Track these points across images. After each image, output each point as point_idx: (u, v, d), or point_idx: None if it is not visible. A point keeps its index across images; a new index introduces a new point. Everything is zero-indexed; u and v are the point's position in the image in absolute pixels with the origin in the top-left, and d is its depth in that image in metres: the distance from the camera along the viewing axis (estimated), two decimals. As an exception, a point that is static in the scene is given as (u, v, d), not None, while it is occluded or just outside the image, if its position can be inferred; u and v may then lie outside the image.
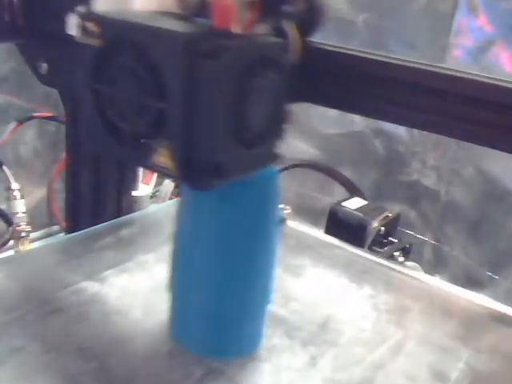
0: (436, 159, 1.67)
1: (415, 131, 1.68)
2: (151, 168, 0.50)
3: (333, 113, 1.81)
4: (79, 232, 0.80)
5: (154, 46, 0.47)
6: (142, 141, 0.50)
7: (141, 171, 1.00)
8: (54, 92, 0.91)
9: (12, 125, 1.49)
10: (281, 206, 0.87)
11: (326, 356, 0.60)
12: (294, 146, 1.85)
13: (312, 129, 1.86)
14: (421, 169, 1.69)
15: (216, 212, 0.55)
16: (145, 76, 0.48)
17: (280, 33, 0.55)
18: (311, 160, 1.76)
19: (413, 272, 0.80)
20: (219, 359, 0.58)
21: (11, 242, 1.43)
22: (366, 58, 0.64)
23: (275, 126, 0.53)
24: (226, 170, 0.48)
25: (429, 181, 1.69)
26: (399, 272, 0.80)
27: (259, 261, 0.58)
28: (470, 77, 0.59)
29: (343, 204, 1.27)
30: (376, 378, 0.58)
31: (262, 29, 0.53)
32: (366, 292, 0.73)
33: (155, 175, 1.18)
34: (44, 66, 0.84)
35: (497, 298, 1.58)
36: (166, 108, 0.47)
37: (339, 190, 1.66)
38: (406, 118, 0.65)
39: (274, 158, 0.55)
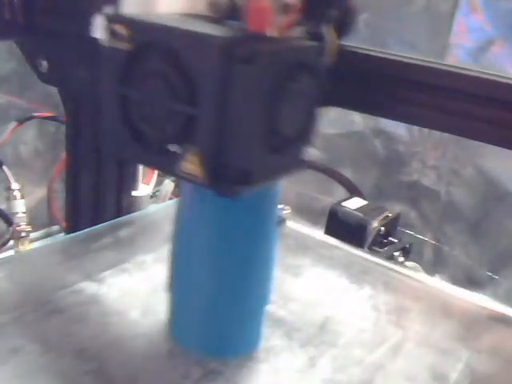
0: (436, 159, 1.66)
1: (415, 131, 1.68)
2: (177, 175, 0.49)
3: (333, 113, 1.80)
4: (79, 232, 0.80)
5: (187, 49, 0.46)
6: (169, 147, 0.48)
7: (141, 171, 1.00)
8: (55, 92, 0.91)
9: (12, 124, 1.49)
10: (280, 206, 0.87)
11: (325, 357, 0.60)
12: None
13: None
14: (421, 169, 1.69)
15: (215, 212, 0.55)
16: (176, 81, 0.46)
17: (316, 36, 0.53)
18: (311, 160, 1.76)
19: (412, 272, 0.80)
20: (218, 360, 0.57)
21: (11, 242, 1.43)
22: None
23: (305, 131, 0.52)
24: (254, 177, 0.47)
25: (429, 181, 1.68)
26: (399, 272, 0.80)
27: (258, 261, 0.57)
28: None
29: (343, 204, 1.27)
30: (375, 379, 0.58)
31: (298, 32, 0.51)
32: (365, 292, 0.73)
33: (155, 175, 1.18)
34: (44, 64, 0.84)
35: (497, 298, 1.59)
36: (198, 114, 0.46)
37: (339, 190, 1.67)
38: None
39: (301, 163, 0.54)
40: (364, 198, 1.36)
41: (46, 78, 0.86)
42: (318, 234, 0.90)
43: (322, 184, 1.77)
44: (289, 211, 0.89)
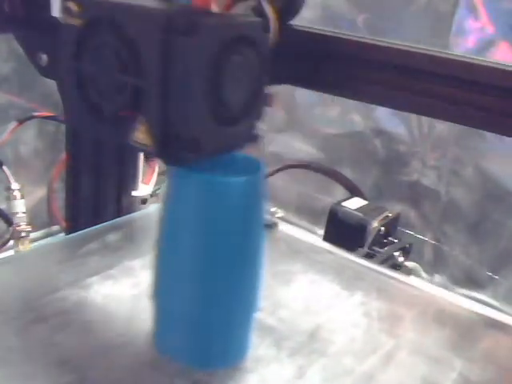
0: (436, 159, 1.66)
1: (415, 131, 1.67)
2: (130, 145, 0.51)
3: (333, 113, 1.81)
4: (78, 232, 0.80)
5: (132, 23, 0.49)
6: (121, 118, 0.51)
7: (141, 171, 1.00)
8: (55, 92, 0.90)
9: (12, 124, 1.49)
10: (273, 209, 0.87)
11: (315, 367, 0.59)
12: (294, 146, 1.85)
13: (312, 129, 1.86)
14: (421, 169, 1.69)
15: (199, 211, 0.54)
16: (123, 53, 0.49)
17: (259, 14, 0.57)
18: (311, 160, 1.76)
19: (406, 278, 0.79)
20: (203, 370, 0.56)
21: (11, 242, 1.44)
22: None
23: (254, 106, 0.54)
24: (201, 145, 0.49)
25: (429, 181, 1.68)
26: (392, 278, 0.78)
27: (245, 265, 0.56)
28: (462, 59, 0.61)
29: (343, 204, 1.27)
30: (366, 389, 0.57)
31: (241, 9, 0.55)
32: (357, 299, 0.72)
33: (155, 175, 1.18)
34: (44, 58, 0.83)
35: (497, 298, 1.59)
36: (143, 84, 0.48)
37: (339, 190, 1.66)
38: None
39: (253, 138, 0.55)
40: (364, 198, 1.36)
41: (45, 72, 0.85)
42: (311, 237, 0.89)
43: (322, 184, 1.77)
44: (282, 214, 0.89)
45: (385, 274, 0.79)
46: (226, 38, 0.49)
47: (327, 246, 0.86)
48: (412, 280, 0.80)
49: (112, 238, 0.79)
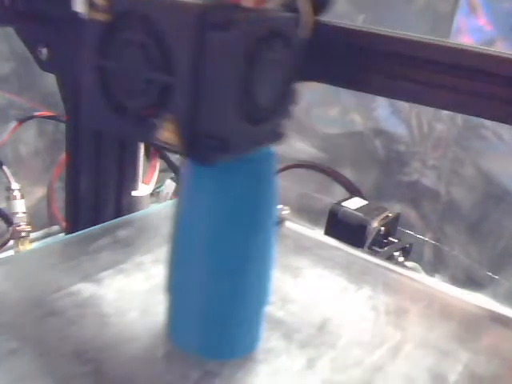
0: (436, 159, 1.66)
1: (415, 131, 1.68)
2: (155, 144, 0.50)
3: (333, 113, 1.81)
4: (77, 233, 0.80)
5: (164, 18, 0.47)
6: (147, 116, 0.49)
7: (141, 171, 1.01)
8: (55, 92, 0.91)
9: (13, 124, 1.49)
10: (279, 206, 0.87)
11: (324, 358, 0.60)
12: (294, 146, 1.85)
13: (312, 129, 1.86)
14: (421, 169, 1.69)
15: (213, 203, 0.54)
16: (152, 50, 0.47)
17: (292, 9, 0.55)
18: (310, 161, 1.77)
19: (412, 273, 0.80)
20: (215, 361, 0.57)
21: (11, 242, 1.44)
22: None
23: (282, 103, 0.53)
24: (230, 145, 0.48)
25: (429, 181, 1.68)
26: (398, 273, 0.80)
27: (257, 258, 0.57)
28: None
29: (343, 204, 1.28)
30: (374, 380, 0.58)
31: (274, 3, 0.52)
32: (364, 293, 0.73)
33: (155, 175, 1.18)
34: (44, 52, 0.83)
35: (497, 298, 1.59)
36: (173, 81, 0.47)
37: (339, 190, 1.67)
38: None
39: (280, 136, 0.54)
40: (364, 198, 1.36)
41: (45, 66, 0.85)
42: (317, 234, 0.90)
43: (322, 184, 1.77)
44: (288, 211, 0.89)
45: (391, 270, 0.80)
46: (260, 33, 0.48)
47: (334, 242, 0.87)
48: (417, 275, 0.81)
49: (122, 233, 0.80)
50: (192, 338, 0.59)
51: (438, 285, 0.79)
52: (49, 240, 1.65)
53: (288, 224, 0.89)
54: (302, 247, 0.83)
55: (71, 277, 0.68)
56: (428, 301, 0.74)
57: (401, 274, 0.80)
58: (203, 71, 0.46)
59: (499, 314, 0.72)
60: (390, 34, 0.62)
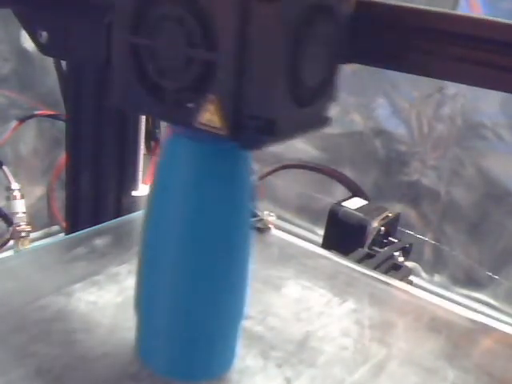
0: (436, 159, 1.66)
1: (415, 131, 1.68)
2: (196, 127, 0.45)
3: (333, 113, 1.80)
4: (78, 232, 0.79)
5: None
6: (187, 98, 0.45)
7: (141, 171, 1.00)
8: (55, 92, 0.91)
9: (13, 123, 1.49)
10: (265, 212, 0.85)
11: (303, 378, 0.56)
12: (294, 145, 1.85)
13: (312, 129, 1.85)
14: (421, 169, 1.69)
15: (185, 201, 0.50)
16: (192, 25, 0.43)
17: None
18: (311, 161, 1.76)
19: (400, 283, 0.77)
20: (187, 382, 0.54)
21: (11, 242, 1.44)
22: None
23: (328, 85, 0.49)
24: (277, 127, 0.44)
25: (429, 181, 1.68)
26: (385, 283, 0.76)
27: (230, 269, 0.52)
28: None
29: (343, 204, 1.28)
30: (355, 401, 0.55)
31: None
32: (349, 306, 0.69)
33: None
34: (44, 35, 0.82)
35: (497, 298, 1.59)
36: (216, 58, 0.43)
37: (339, 190, 1.66)
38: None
39: (326, 121, 0.51)
40: (366, 198, 1.36)
41: (45, 50, 0.84)
42: (303, 242, 0.85)
43: (322, 184, 1.77)
44: (273, 217, 0.86)
45: (378, 280, 0.77)
46: (305, 5, 0.43)
47: (320, 250, 0.84)
48: (406, 286, 0.78)
49: (99, 242, 0.76)
50: (161, 356, 0.54)
51: (427, 296, 0.75)
52: (49, 240, 1.65)
53: (274, 232, 0.85)
54: (287, 256, 0.79)
55: (42, 289, 0.64)
56: (416, 313, 0.70)
57: (388, 285, 0.76)
58: (249, 45, 0.42)
59: (489, 327, 0.69)
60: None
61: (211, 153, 0.49)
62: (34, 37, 0.82)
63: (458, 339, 0.66)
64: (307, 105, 0.47)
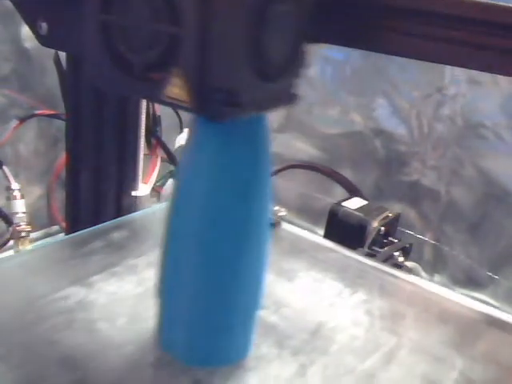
0: (436, 159, 1.66)
1: (415, 131, 1.67)
2: (163, 101, 0.47)
3: (333, 112, 1.81)
4: (74, 234, 0.79)
5: None
6: (155, 73, 0.47)
7: (141, 171, 1.00)
8: (55, 92, 0.90)
9: (13, 123, 1.49)
10: (276, 207, 0.87)
11: (316, 365, 0.59)
12: (294, 146, 1.85)
13: (312, 129, 1.86)
14: (421, 169, 1.69)
15: (203, 198, 0.52)
16: (158, 1, 0.45)
17: None
18: (311, 161, 1.76)
19: (408, 276, 0.79)
20: (205, 369, 0.56)
21: (11, 242, 1.44)
22: None
23: (293, 62, 0.51)
24: (241, 99, 0.46)
25: (429, 181, 1.68)
26: (395, 276, 0.79)
27: (249, 260, 0.55)
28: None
29: (343, 204, 1.27)
30: (366, 388, 0.57)
31: None
32: (359, 297, 0.72)
33: (155, 174, 1.18)
34: (44, 26, 0.82)
35: (497, 298, 1.58)
36: (181, 32, 0.45)
37: (339, 190, 1.66)
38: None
39: (292, 98, 0.53)
40: (364, 198, 1.36)
41: (45, 41, 0.83)
42: (314, 236, 0.89)
43: (322, 184, 1.77)
44: (284, 213, 0.88)
45: (387, 273, 0.79)
46: None
47: (330, 244, 0.86)
48: (414, 278, 0.80)
49: (116, 236, 0.79)
50: (180, 344, 0.57)
51: (436, 288, 0.78)
52: (49, 240, 1.65)
53: (284, 226, 0.88)
54: (298, 249, 0.82)
55: (61, 281, 0.67)
56: (425, 305, 0.73)
57: (397, 278, 0.78)
58: (212, 20, 0.44)
59: (496, 318, 0.71)
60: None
61: (235, 136, 0.51)
62: (33, 28, 0.82)
63: (466, 329, 0.69)
64: (272, 80, 0.49)
